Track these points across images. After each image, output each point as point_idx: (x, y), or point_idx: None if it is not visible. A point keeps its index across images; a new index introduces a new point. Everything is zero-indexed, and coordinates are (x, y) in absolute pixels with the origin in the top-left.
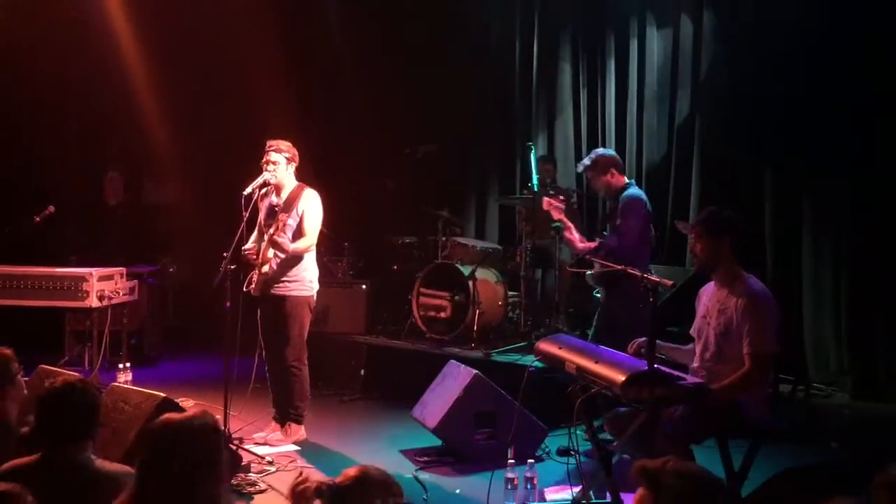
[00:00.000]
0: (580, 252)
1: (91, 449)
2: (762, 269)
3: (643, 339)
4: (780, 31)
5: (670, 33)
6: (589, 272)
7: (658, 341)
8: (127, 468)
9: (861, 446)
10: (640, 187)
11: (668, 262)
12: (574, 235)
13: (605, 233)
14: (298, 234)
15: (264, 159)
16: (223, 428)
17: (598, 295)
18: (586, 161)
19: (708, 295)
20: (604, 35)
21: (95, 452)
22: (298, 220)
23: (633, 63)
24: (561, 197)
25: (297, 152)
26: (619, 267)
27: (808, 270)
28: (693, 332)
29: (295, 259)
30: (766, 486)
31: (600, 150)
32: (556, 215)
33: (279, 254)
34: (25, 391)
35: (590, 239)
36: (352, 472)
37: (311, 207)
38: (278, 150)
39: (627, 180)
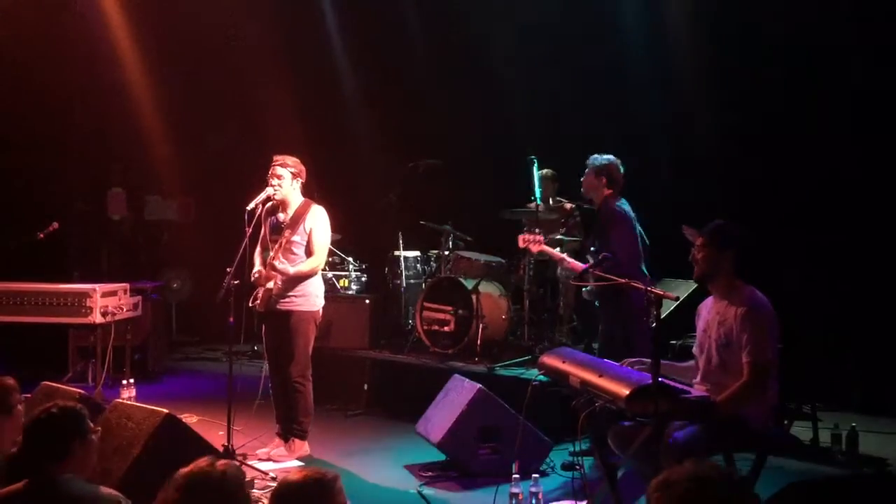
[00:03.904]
0: (580, 270)
1: (72, 469)
2: (766, 281)
3: (633, 359)
4: None
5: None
6: (586, 287)
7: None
8: (112, 492)
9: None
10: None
11: (672, 276)
12: (568, 262)
13: (592, 248)
14: (308, 252)
15: (270, 173)
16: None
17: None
18: (601, 156)
19: (707, 308)
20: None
21: (94, 468)
22: (306, 237)
23: None
24: (537, 231)
25: (304, 168)
26: (623, 280)
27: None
28: (695, 348)
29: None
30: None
31: (613, 157)
32: (534, 249)
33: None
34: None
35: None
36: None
37: (320, 225)
38: (284, 165)
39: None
